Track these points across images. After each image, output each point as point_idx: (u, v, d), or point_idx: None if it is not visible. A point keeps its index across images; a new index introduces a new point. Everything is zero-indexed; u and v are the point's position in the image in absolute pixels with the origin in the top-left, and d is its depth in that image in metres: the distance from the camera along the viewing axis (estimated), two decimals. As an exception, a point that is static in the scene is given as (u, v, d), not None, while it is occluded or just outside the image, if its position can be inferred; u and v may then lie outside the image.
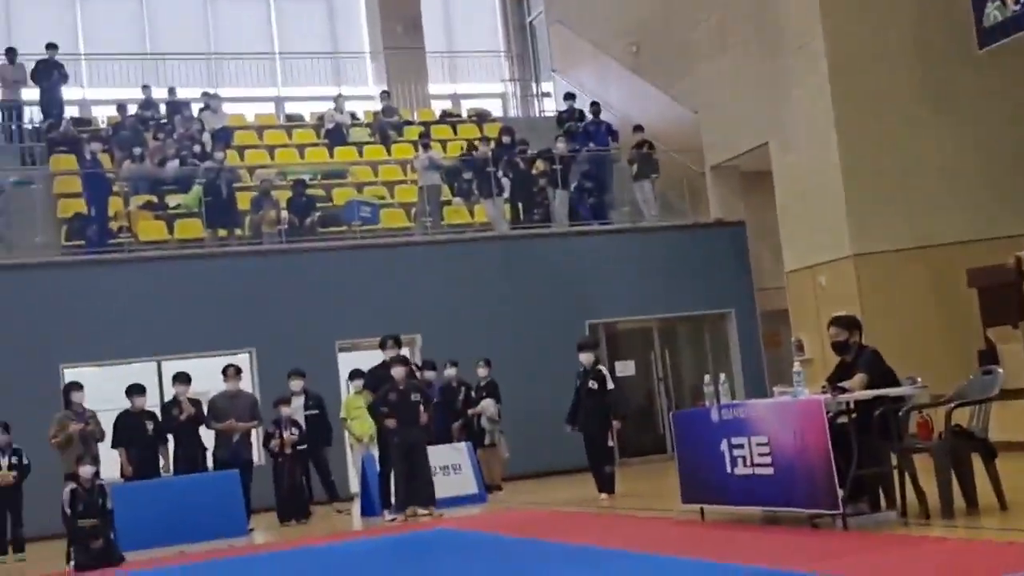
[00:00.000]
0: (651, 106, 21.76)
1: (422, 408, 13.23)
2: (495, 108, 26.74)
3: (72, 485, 11.72)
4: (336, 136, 22.02)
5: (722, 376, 9.93)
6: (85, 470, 11.75)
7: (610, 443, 13.70)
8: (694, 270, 19.57)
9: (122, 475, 13.69)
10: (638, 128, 20.35)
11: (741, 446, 9.09)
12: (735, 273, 19.81)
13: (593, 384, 13.52)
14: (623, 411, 13.95)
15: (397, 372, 13.26)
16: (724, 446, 9.30)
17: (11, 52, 20.93)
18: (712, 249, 19.85)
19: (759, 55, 18.60)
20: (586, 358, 13.76)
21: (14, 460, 13.52)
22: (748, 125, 18.89)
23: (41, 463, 13.63)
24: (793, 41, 17.63)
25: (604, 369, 13.95)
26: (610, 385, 13.59)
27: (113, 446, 13.69)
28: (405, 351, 15.96)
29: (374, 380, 13.78)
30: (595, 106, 21.75)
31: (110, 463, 13.69)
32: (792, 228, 18.02)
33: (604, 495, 13.23)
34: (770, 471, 8.75)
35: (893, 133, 16.67)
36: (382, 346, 13.89)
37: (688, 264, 19.59)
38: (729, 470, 9.24)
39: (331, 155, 21.63)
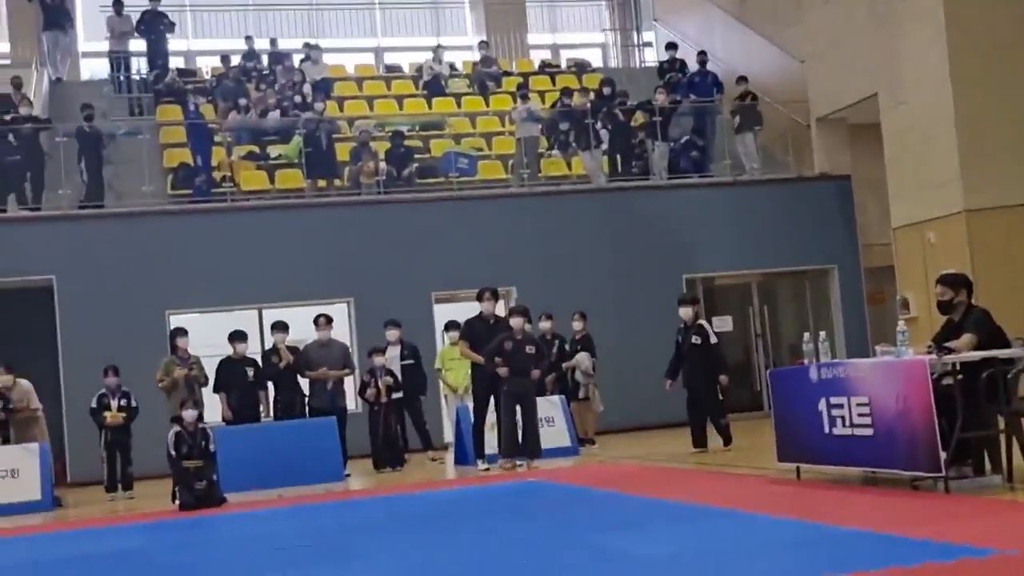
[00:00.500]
0: (755, 56, 21.32)
1: (537, 360, 13.22)
2: (595, 58, 26.45)
3: (177, 428, 12.01)
4: (434, 87, 22.02)
5: (822, 334, 9.75)
6: (188, 414, 12.03)
7: (720, 396, 13.64)
8: (796, 225, 19.23)
9: (223, 419, 13.98)
10: (741, 79, 19.97)
11: (840, 406, 8.93)
12: (839, 228, 19.42)
13: (696, 339, 13.48)
14: (724, 367, 13.81)
15: (515, 322, 13.26)
16: (822, 405, 9.15)
17: (118, 3, 21.27)
18: (816, 203, 19.47)
19: (871, 2, 18.06)
20: (686, 313, 13.69)
21: (123, 402, 13.93)
22: (857, 75, 18.41)
23: (149, 406, 14.03)
24: (906, -13, 17.08)
25: (706, 324, 13.81)
26: (713, 339, 13.54)
27: (215, 391, 14.00)
28: (500, 303, 16.02)
29: (470, 331, 13.81)
30: (702, 55, 21.25)
31: (213, 407, 14.01)
32: (901, 182, 17.54)
33: (725, 447, 13.24)
34: (870, 432, 8.59)
35: (1011, 83, 16.02)
36: (479, 298, 13.90)
37: (790, 218, 19.24)
38: (827, 430, 9.09)
39: (429, 106, 21.65)
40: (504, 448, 13.11)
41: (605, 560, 6.85)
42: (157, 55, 21.37)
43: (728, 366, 13.96)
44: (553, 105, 20.15)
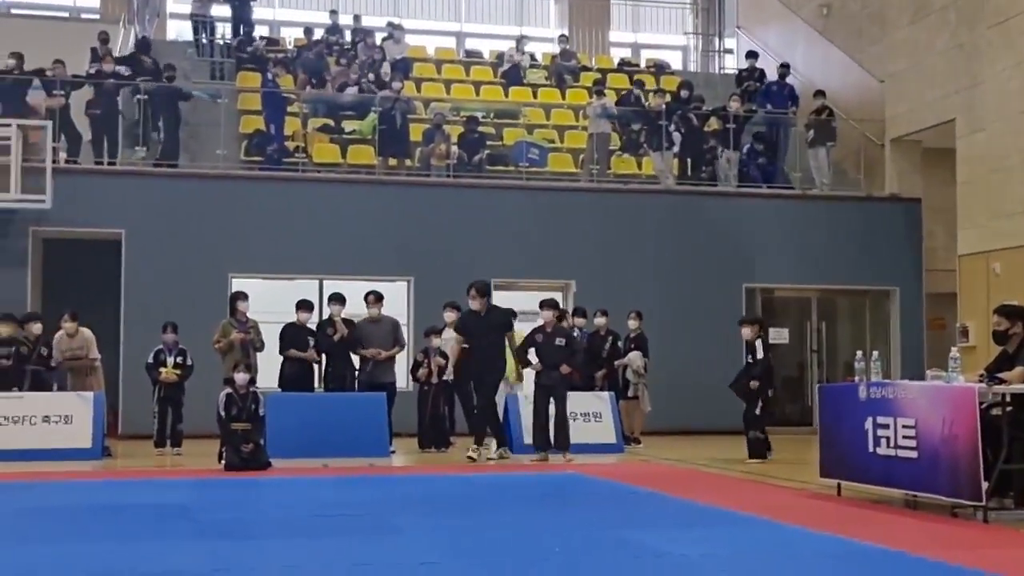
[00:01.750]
0: (835, 71, 21.17)
1: (568, 354, 13.30)
2: (674, 61, 26.40)
3: (228, 390, 12.23)
4: (512, 76, 22.11)
5: (875, 353, 9.71)
6: (240, 377, 12.24)
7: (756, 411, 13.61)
8: (861, 243, 19.10)
9: (280, 384, 14.14)
10: (819, 93, 19.84)
11: (886, 426, 8.91)
12: (904, 251, 19.25)
13: (749, 358, 13.78)
14: (758, 374, 13.76)
15: (545, 315, 13.38)
16: (869, 424, 9.13)
17: (206, -34, 21.60)
18: (883, 224, 19.32)
19: (956, 27, 17.86)
20: (746, 333, 13.80)
21: (179, 360, 14.18)
22: (936, 99, 18.22)
23: (204, 366, 14.27)
24: (993, 15, 16.87)
25: (758, 343, 13.82)
26: (759, 354, 13.61)
27: (281, 353, 14.16)
28: (558, 296, 16.08)
29: (463, 326, 13.93)
30: (784, 67, 21.11)
31: (269, 372, 14.20)
32: (971, 210, 17.34)
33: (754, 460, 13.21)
34: (914, 455, 8.55)
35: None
36: (467, 293, 13.78)
37: (856, 237, 19.12)
38: (871, 449, 9.07)
39: (506, 94, 21.75)
40: (535, 440, 13.23)
41: (635, 556, 6.92)
42: (241, 21, 21.69)
43: (762, 377, 13.81)
44: (628, 103, 20.13)
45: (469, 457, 13.21)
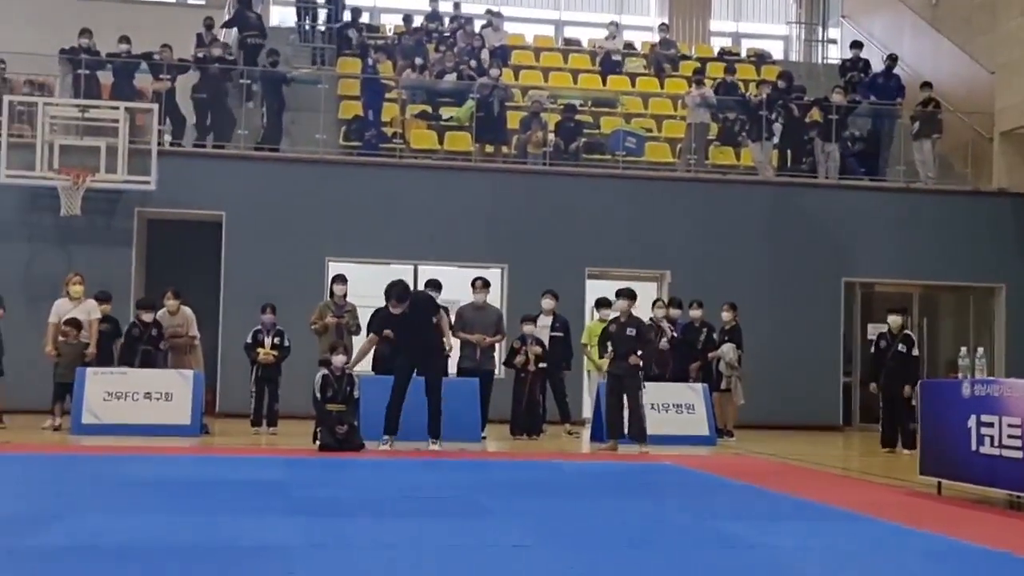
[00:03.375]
0: (943, 62, 20.69)
1: (640, 344, 13.18)
2: (776, 51, 26.02)
3: (324, 371, 12.36)
4: (610, 64, 21.99)
5: (980, 350, 9.47)
6: (337, 359, 12.36)
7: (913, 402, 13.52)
8: (967, 239, 18.67)
9: (372, 367, 14.25)
10: (926, 85, 19.41)
11: (991, 424, 8.67)
12: (1012, 247, 18.79)
13: (902, 347, 13.79)
14: (916, 379, 13.58)
15: (620, 305, 13.25)
16: (972, 422, 8.90)
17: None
18: (990, 219, 18.86)
19: (1070, 17, 17.33)
20: (895, 321, 13.94)
21: (276, 341, 14.35)
22: (1049, 91, 17.70)
23: (301, 347, 14.47)
24: (1111, 4, 16.33)
25: (912, 334, 13.73)
26: (915, 352, 13.84)
27: (368, 333, 14.24)
28: (652, 286, 15.93)
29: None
30: (892, 59, 20.66)
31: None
32: (1082, 206, 16.83)
33: (907, 451, 13.17)
34: (1019, 455, 8.32)
35: None
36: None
37: (961, 232, 18.68)
38: (974, 447, 8.84)
39: (604, 83, 21.65)
40: (608, 430, 13.21)
41: (728, 546, 6.84)
42: (343, 7, 21.92)
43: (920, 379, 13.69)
44: (727, 92, 19.89)
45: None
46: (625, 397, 13.04)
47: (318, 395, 12.22)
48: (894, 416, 13.96)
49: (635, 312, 13.37)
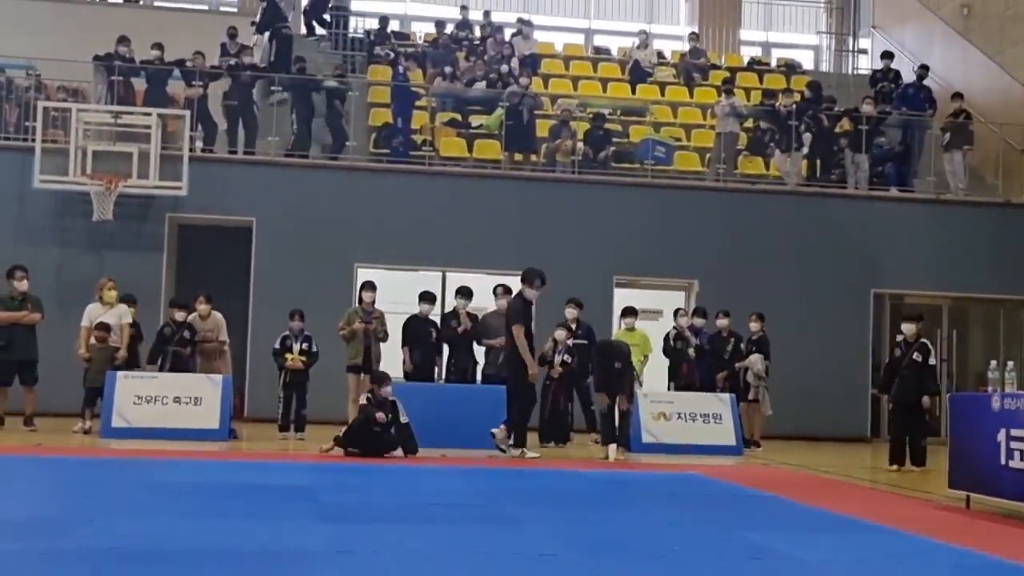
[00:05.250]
0: (974, 73, 20.59)
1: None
2: (806, 60, 25.96)
3: (368, 395, 12.27)
4: (640, 73, 21.99)
5: (1010, 363, 9.42)
6: (385, 390, 12.26)
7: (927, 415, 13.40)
8: (997, 251, 18.56)
9: (404, 373, 14.30)
10: (957, 95, 19.32)
11: (1020, 439, 8.61)
12: (1043, 260, 18.62)
13: (917, 356, 13.20)
14: (934, 389, 13.48)
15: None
16: (1002, 436, 8.83)
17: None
18: (1021, 230, 18.75)
19: (1104, 28, 17.21)
20: (909, 329, 13.44)
21: (304, 346, 14.44)
22: (1081, 103, 17.58)
23: (329, 353, 14.52)
24: None
25: (928, 343, 13.47)
26: (932, 361, 13.37)
27: (403, 345, 14.35)
28: (680, 295, 15.90)
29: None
30: (923, 69, 20.55)
31: (394, 361, 14.39)
32: (1114, 219, 16.69)
33: (916, 468, 12.94)
34: (1049, 469, 8.26)
35: None
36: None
37: (992, 244, 18.58)
38: (1003, 461, 8.78)
39: (633, 92, 21.66)
40: (602, 437, 13.27)
41: (754, 557, 6.82)
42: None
43: (937, 389, 13.58)
44: (759, 103, 19.86)
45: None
46: (617, 405, 13.07)
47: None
48: (907, 429, 13.28)
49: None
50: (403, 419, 12.27)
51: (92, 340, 14.06)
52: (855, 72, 25.51)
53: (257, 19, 20.27)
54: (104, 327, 14.06)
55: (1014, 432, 8.71)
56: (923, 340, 13.37)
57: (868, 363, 18.23)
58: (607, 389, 12.98)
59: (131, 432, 13.28)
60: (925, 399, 13.13)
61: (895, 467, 13.11)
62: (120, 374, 13.78)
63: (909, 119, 19.84)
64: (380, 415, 12.00)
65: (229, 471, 10.78)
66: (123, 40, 17.82)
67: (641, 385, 14.94)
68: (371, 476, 10.64)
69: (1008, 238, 18.67)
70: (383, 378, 12.48)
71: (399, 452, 12.17)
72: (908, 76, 20.94)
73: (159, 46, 18.01)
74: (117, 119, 17.32)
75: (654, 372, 15.55)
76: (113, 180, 16.60)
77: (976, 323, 19.67)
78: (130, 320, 14.33)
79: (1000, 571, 6.73)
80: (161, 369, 14.11)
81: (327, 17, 22.16)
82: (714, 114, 19.64)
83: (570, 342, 14.67)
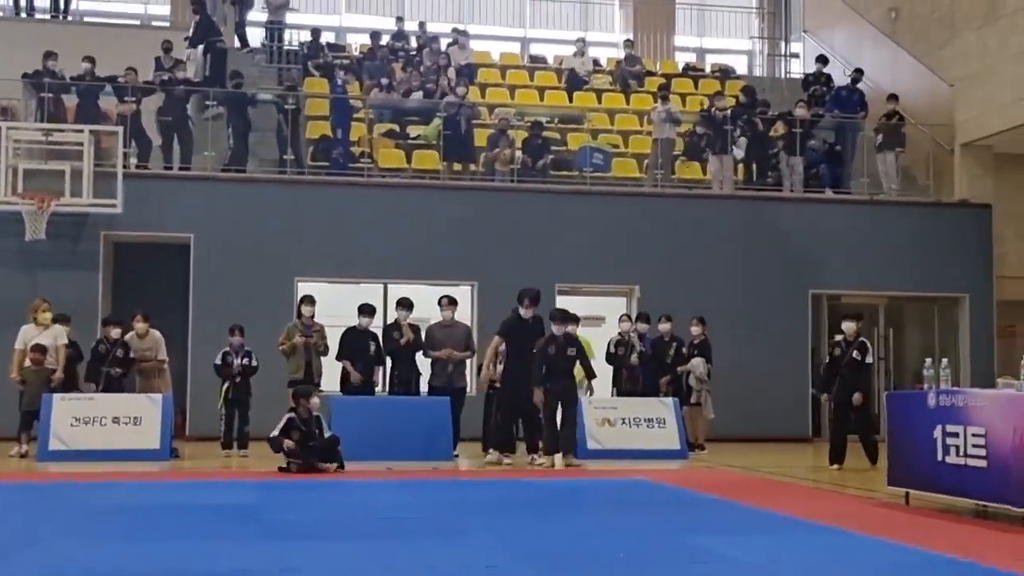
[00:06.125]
0: (904, 75, 20.92)
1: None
2: (740, 66, 26.23)
3: (290, 414, 12.14)
4: (576, 81, 22.10)
5: (944, 360, 9.58)
6: (313, 402, 12.20)
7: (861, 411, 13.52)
8: (930, 250, 18.87)
9: (341, 388, 14.22)
10: (892, 97, 19.64)
11: (956, 435, 8.76)
12: (974, 257, 18.97)
13: (856, 355, 13.33)
14: (866, 386, 13.65)
15: (555, 328, 13.25)
16: (938, 432, 8.98)
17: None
18: (953, 230, 19.07)
19: (1028, 29, 17.58)
20: (849, 327, 13.54)
21: (244, 361, 14.32)
22: (1007, 103, 17.95)
23: (270, 368, 14.42)
24: (1069, 17, 16.59)
25: (867, 341, 13.64)
26: (870, 360, 13.53)
27: (338, 358, 14.27)
28: (622, 301, 15.97)
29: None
30: (858, 73, 20.80)
31: (333, 375, 14.31)
32: (1043, 216, 17.05)
33: (873, 465, 13.04)
34: (984, 464, 8.41)
35: None
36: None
37: (924, 243, 18.88)
38: (940, 457, 8.93)
39: (570, 100, 21.76)
40: (546, 445, 13.24)
41: (699, 561, 6.88)
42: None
43: (870, 388, 13.74)
44: (696, 108, 20.03)
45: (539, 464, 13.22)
46: (562, 412, 13.11)
47: (276, 435, 12.01)
48: (849, 428, 13.48)
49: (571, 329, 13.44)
50: (326, 433, 12.20)
51: (27, 363, 13.84)
52: (788, 76, 25.82)
53: (190, 33, 20.08)
54: (40, 349, 13.85)
55: (949, 428, 8.86)
56: (862, 339, 13.53)
57: (808, 364, 18.45)
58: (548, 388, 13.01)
59: (69, 455, 13.09)
60: (856, 396, 13.26)
61: (836, 466, 13.25)
62: (56, 396, 13.57)
63: (842, 122, 20.12)
64: (289, 443, 11.89)
65: (171, 491, 10.66)
66: (50, 55, 17.56)
67: (591, 393, 15.03)
68: (316, 492, 10.58)
69: (940, 237, 18.99)
70: (307, 392, 12.42)
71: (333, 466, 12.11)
72: (839, 79, 21.23)
73: (90, 59, 17.78)
74: (48, 136, 17.08)
75: (598, 378, 15.55)
76: (45, 199, 16.34)
77: (912, 321, 19.98)
78: (66, 341, 14.13)
79: (938, 565, 6.84)
80: (98, 388, 13.91)
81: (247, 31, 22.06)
82: (651, 120, 19.78)
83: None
